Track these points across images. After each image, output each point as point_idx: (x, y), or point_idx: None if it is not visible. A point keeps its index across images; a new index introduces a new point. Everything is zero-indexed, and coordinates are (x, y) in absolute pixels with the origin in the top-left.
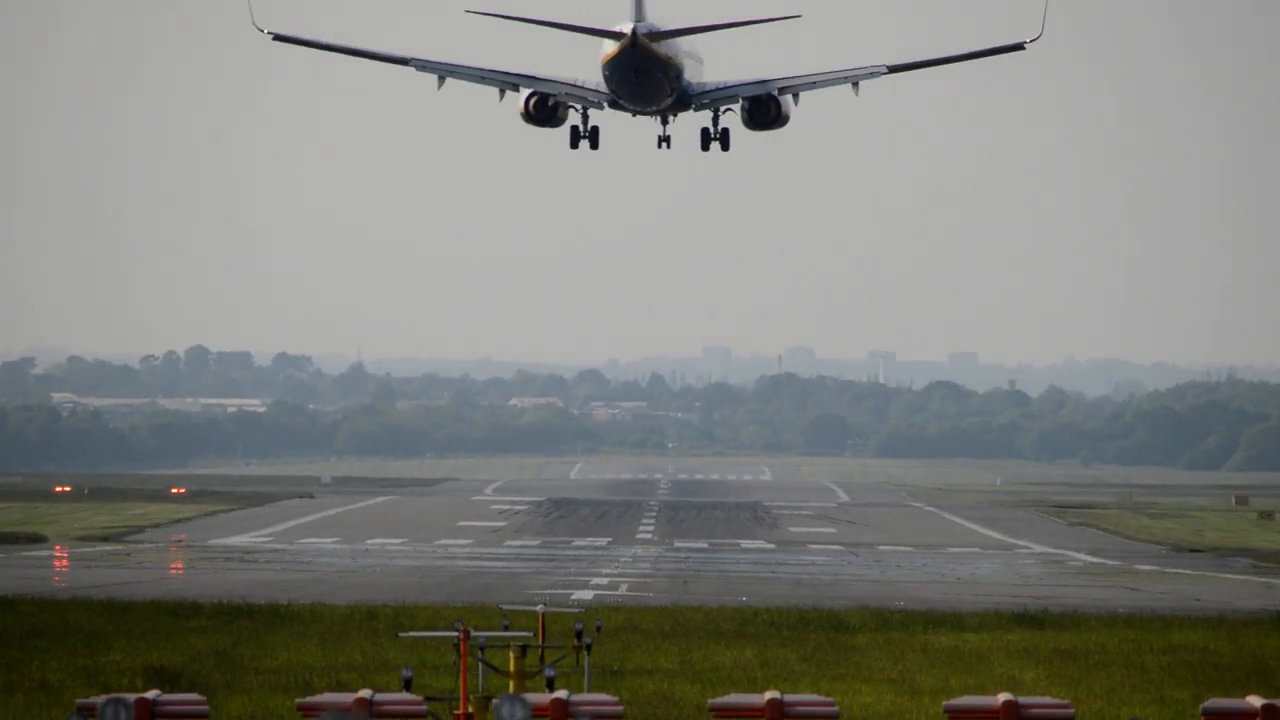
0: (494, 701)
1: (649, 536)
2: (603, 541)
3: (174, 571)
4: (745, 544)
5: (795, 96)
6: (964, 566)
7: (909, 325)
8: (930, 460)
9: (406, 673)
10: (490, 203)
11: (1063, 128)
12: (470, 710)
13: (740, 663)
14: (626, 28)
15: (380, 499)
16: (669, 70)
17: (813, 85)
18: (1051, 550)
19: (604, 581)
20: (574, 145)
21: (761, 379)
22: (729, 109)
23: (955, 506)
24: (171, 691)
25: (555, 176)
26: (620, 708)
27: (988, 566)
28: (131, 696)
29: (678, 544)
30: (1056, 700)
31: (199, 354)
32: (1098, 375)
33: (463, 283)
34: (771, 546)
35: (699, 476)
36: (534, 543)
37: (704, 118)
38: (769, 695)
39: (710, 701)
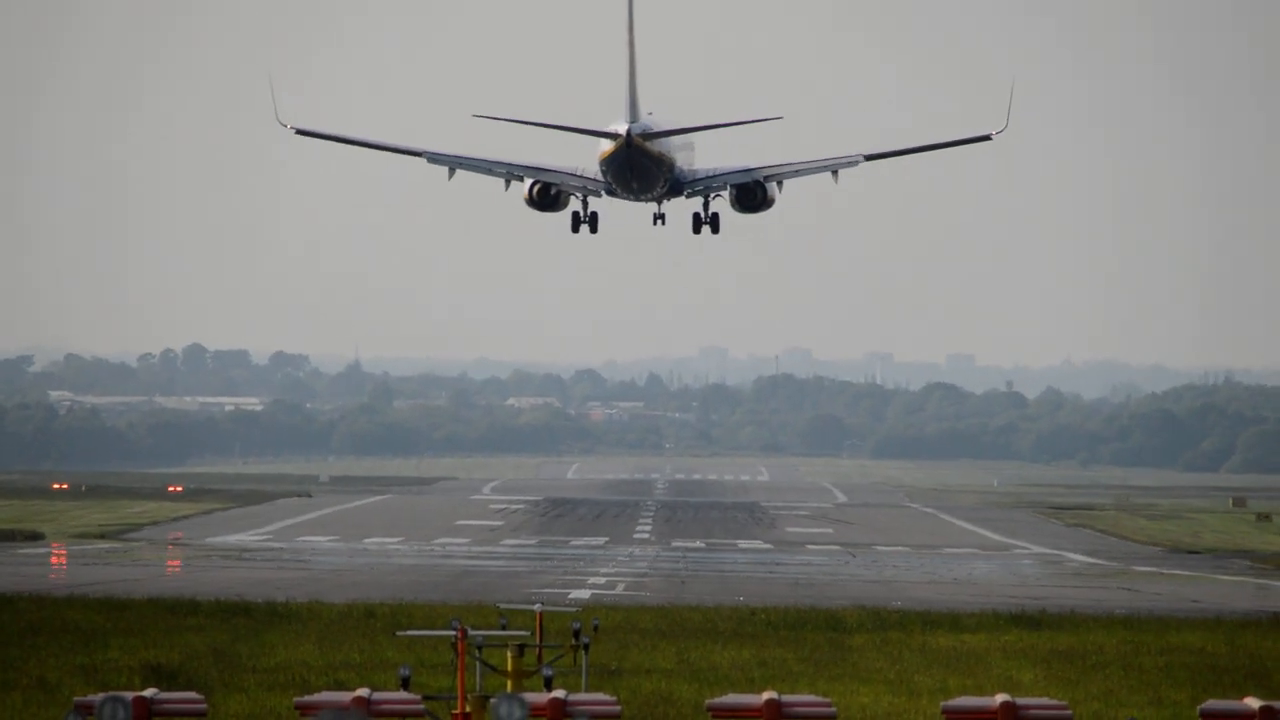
0: (492, 701)
1: (646, 536)
2: (600, 541)
3: (172, 569)
4: (743, 544)
5: (779, 182)
6: (961, 567)
7: (907, 327)
8: (928, 461)
9: (404, 671)
10: (485, 199)
11: (1060, 128)
12: (468, 709)
13: (738, 662)
14: (621, 129)
15: (378, 498)
16: (662, 164)
17: (795, 173)
18: (1049, 551)
19: (601, 581)
20: (575, 229)
21: (759, 379)
22: (719, 194)
23: (953, 507)
24: (169, 690)
25: None
26: (618, 707)
27: (985, 567)
28: (129, 695)
29: (675, 544)
30: (1054, 701)
31: (196, 352)
32: (1095, 377)
33: (461, 282)
34: (769, 547)
35: (696, 477)
36: (531, 542)
37: (696, 202)
38: (767, 695)
39: (708, 702)
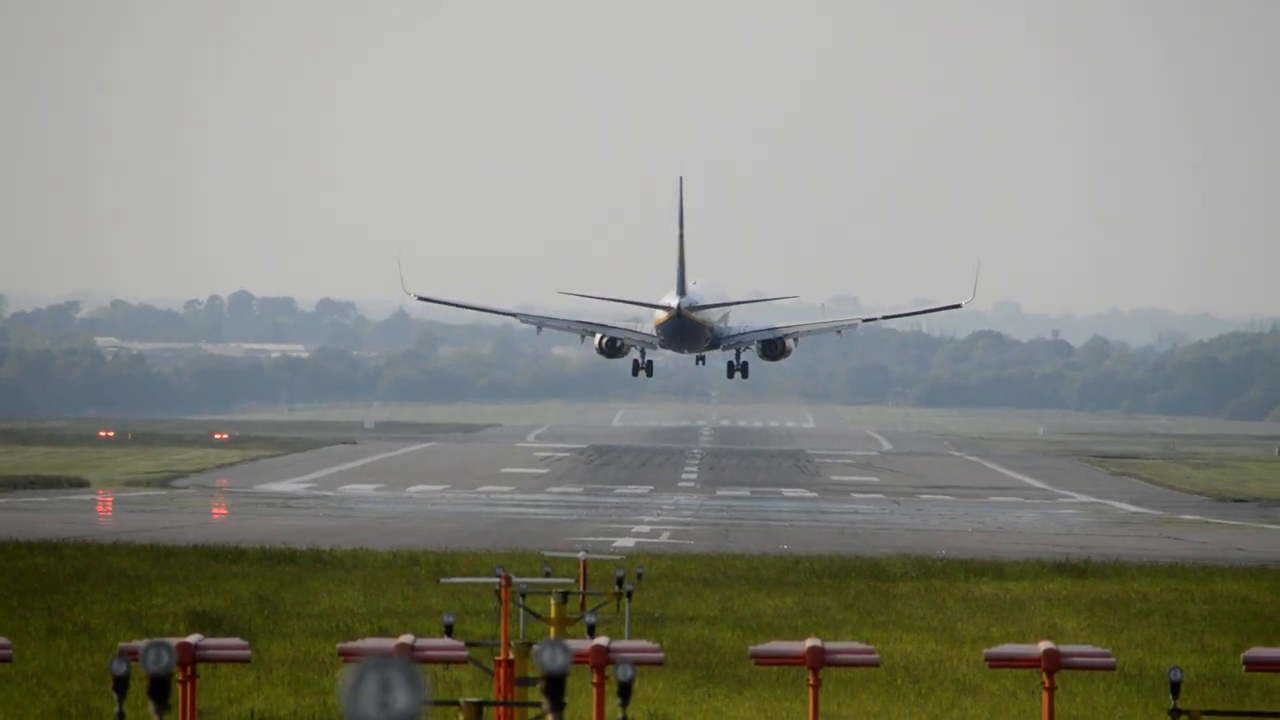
0: (535, 647)
1: (691, 484)
2: (645, 489)
3: (217, 516)
4: (787, 492)
5: (795, 339)
6: (1006, 515)
7: (953, 274)
8: (973, 409)
9: (448, 619)
10: (534, 149)
11: (1111, 76)
12: (511, 656)
13: (781, 610)
14: (673, 303)
15: (423, 445)
16: (704, 329)
17: (808, 333)
18: (1094, 500)
19: (646, 529)
20: (634, 374)
21: None
22: (748, 347)
23: (998, 455)
24: (214, 636)
25: (607, 124)
26: (661, 654)
27: (1029, 516)
28: (174, 640)
29: (720, 492)
30: (1097, 649)
31: (243, 299)
32: (1141, 325)
33: (508, 227)
34: (813, 495)
35: (741, 424)
36: (576, 490)
37: (731, 352)
38: (810, 643)
39: (751, 649)
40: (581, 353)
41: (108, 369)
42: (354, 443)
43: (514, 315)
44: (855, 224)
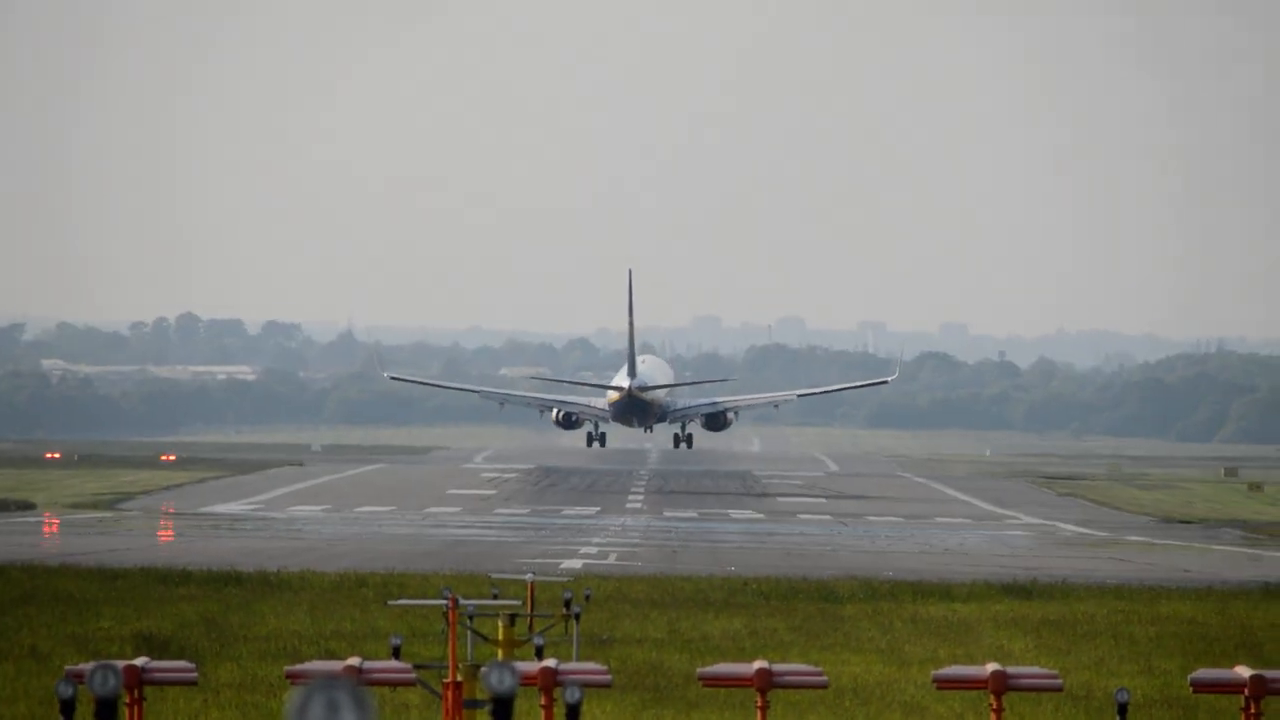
0: (483, 669)
1: (638, 506)
2: (592, 510)
3: (163, 539)
4: (734, 514)
5: (736, 412)
6: (953, 537)
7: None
8: (920, 431)
9: (395, 640)
10: (481, 171)
11: (1050, 102)
12: (459, 678)
13: (729, 632)
14: (625, 384)
15: (370, 467)
16: (652, 406)
17: (748, 406)
18: (1041, 521)
19: (593, 551)
20: (589, 444)
21: (751, 349)
22: (693, 420)
23: (945, 477)
24: (161, 658)
25: (544, 144)
26: (609, 676)
27: (977, 537)
28: (121, 663)
29: (667, 513)
30: (1045, 670)
31: (189, 321)
32: (1087, 346)
33: (453, 250)
34: (761, 516)
35: None
36: (523, 511)
37: (677, 425)
38: (758, 664)
39: (699, 670)
40: (526, 373)
41: (53, 391)
42: (301, 464)
43: (476, 391)
44: (803, 244)
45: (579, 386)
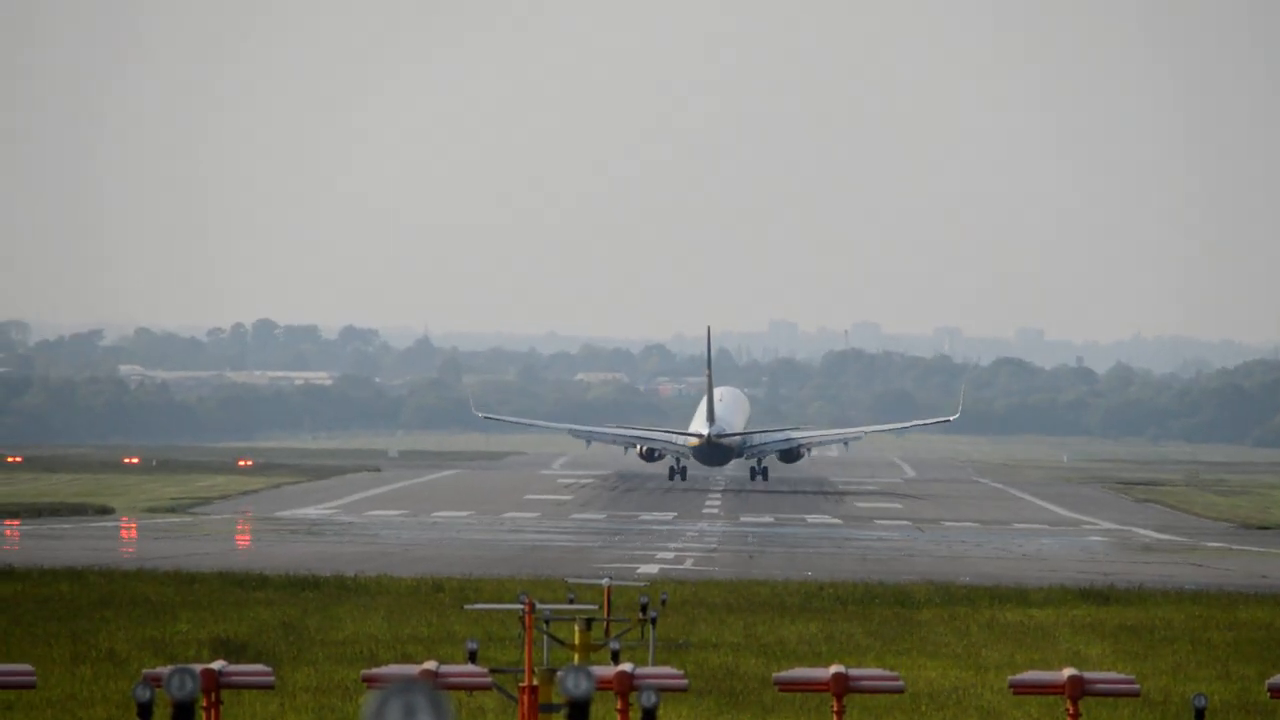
0: (559, 673)
1: (715, 511)
2: (669, 516)
3: (240, 543)
4: (811, 519)
5: (809, 448)
6: (1030, 542)
7: (977, 301)
8: (997, 436)
9: (472, 645)
10: (556, 175)
11: (1129, 100)
12: (535, 682)
13: (805, 637)
14: (705, 431)
15: (446, 472)
16: (731, 450)
17: (820, 443)
18: (1118, 527)
19: (670, 556)
20: (670, 479)
21: (828, 354)
22: (769, 454)
23: (1021, 483)
24: (238, 662)
25: (621, 150)
26: (685, 681)
27: (1053, 543)
28: (198, 667)
29: (743, 519)
30: (1122, 675)
31: (266, 327)
32: (1165, 352)
33: (530, 256)
34: (838, 521)
35: None
36: (600, 516)
37: (754, 460)
38: (834, 669)
39: (775, 675)
40: (603, 379)
41: (131, 397)
42: (378, 470)
43: (567, 429)
44: (880, 248)
45: (662, 431)
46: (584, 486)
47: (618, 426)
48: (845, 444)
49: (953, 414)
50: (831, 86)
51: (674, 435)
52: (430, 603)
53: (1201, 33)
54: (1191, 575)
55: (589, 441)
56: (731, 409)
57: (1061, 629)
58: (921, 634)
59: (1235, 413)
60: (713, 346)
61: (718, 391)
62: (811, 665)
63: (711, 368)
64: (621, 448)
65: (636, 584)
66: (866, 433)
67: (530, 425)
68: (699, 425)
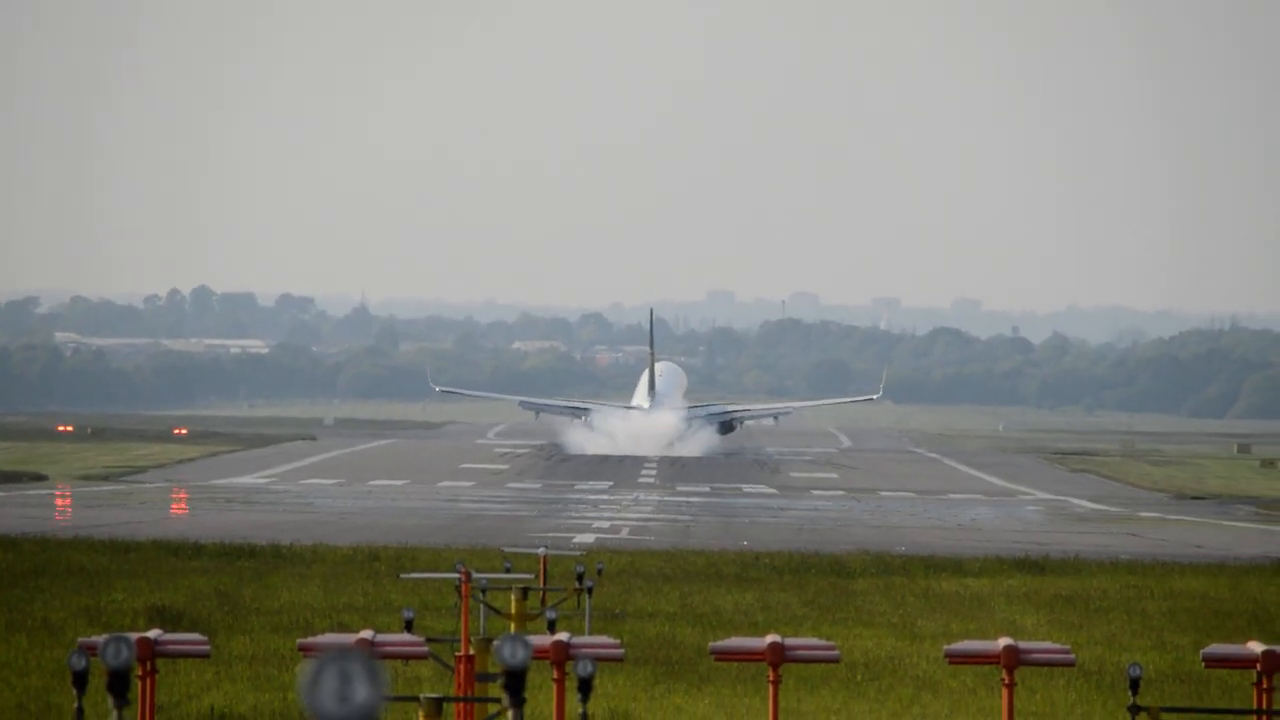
0: (495, 643)
1: (651, 480)
2: (604, 485)
3: (176, 512)
4: (747, 489)
5: (742, 421)
6: (966, 512)
7: (913, 272)
8: (933, 406)
9: (408, 614)
10: (494, 144)
11: (1073, 76)
12: (471, 652)
13: (741, 606)
14: (645, 404)
15: (383, 441)
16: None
17: (751, 417)
18: (1053, 497)
19: (605, 525)
20: None
21: (765, 324)
22: (705, 426)
23: (957, 452)
24: (173, 631)
25: (559, 119)
26: (621, 650)
27: (989, 512)
28: (133, 635)
29: (679, 488)
30: (1057, 645)
31: (203, 295)
32: (1101, 322)
33: (467, 224)
34: (773, 491)
35: None
36: (536, 486)
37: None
38: (770, 639)
39: (711, 645)
40: (540, 347)
41: (66, 364)
42: (314, 438)
43: (519, 401)
44: (817, 219)
45: (608, 405)
46: (520, 456)
47: (565, 400)
48: (775, 419)
49: (876, 393)
50: (771, 55)
51: (618, 409)
52: (366, 571)
53: (1168, 28)
54: (1126, 545)
55: (538, 413)
56: (670, 384)
57: (997, 599)
58: (857, 604)
59: (1170, 383)
60: (651, 315)
61: (658, 367)
62: (747, 635)
63: (654, 346)
64: (567, 419)
65: (573, 553)
66: (796, 408)
67: (484, 397)
68: (640, 399)
